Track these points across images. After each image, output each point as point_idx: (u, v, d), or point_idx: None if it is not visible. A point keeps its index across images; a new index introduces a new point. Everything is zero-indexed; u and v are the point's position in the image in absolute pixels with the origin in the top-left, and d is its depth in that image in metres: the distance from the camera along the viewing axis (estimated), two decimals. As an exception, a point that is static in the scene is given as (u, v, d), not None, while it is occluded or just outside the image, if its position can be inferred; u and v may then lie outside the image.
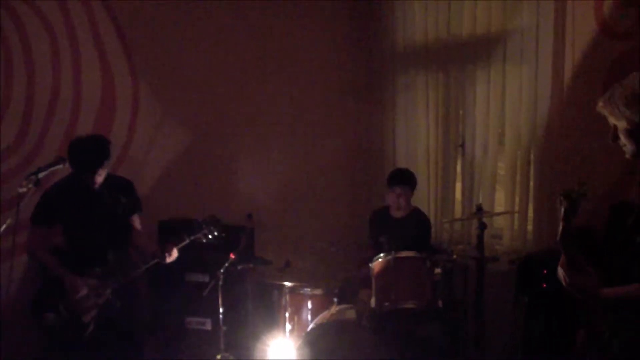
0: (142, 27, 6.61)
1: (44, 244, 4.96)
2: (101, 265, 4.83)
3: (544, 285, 5.36)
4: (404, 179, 5.99)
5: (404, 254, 5.35)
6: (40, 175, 4.40)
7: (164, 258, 4.99)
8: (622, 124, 2.96)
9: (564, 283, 3.12)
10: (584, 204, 3.04)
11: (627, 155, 3.05)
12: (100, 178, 4.89)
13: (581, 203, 3.04)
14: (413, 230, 5.97)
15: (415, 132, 7.15)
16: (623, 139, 3.00)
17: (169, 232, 5.82)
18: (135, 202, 5.17)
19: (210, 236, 5.20)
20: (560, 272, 3.13)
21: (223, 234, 5.25)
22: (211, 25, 6.94)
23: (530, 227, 6.47)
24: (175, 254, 5.02)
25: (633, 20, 5.63)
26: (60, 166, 4.63)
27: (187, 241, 5.12)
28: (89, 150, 4.80)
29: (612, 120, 3.02)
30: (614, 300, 2.99)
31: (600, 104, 3.06)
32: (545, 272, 5.38)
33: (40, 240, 4.96)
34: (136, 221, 5.21)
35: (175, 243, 5.06)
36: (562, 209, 3.08)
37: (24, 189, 4.28)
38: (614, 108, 2.96)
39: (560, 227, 3.07)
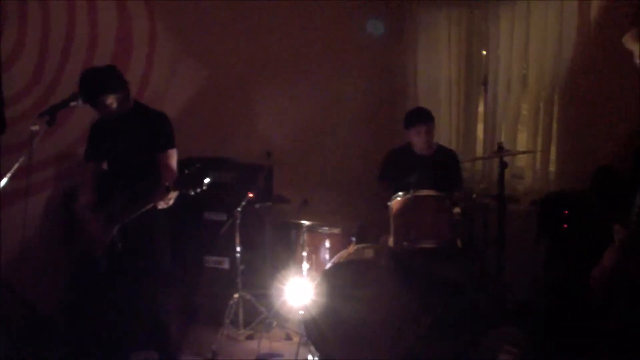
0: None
1: (90, 178, 4.94)
2: (112, 203, 4.74)
3: (565, 226, 5.29)
4: (426, 116, 5.87)
5: (424, 192, 5.27)
6: (53, 112, 4.31)
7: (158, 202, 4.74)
8: None
9: None
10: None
11: None
12: (112, 106, 4.75)
13: None
14: (443, 167, 5.89)
15: (437, 70, 7.01)
16: None
17: (187, 172, 5.77)
18: (166, 137, 4.87)
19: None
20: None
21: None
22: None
23: (552, 168, 6.39)
24: (171, 201, 4.75)
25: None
26: (75, 103, 4.52)
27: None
28: (93, 78, 4.69)
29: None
30: None
31: (628, 38, 2.96)
32: (566, 212, 5.32)
33: (86, 174, 4.96)
34: (168, 158, 4.85)
35: (174, 187, 4.74)
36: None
37: (36, 127, 4.19)
38: None
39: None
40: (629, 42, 2.96)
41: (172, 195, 4.53)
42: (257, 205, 5.87)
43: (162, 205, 4.59)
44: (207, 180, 4.43)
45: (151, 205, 4.56)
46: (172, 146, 4.88)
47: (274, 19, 7.02)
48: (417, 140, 5.86)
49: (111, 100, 4.73)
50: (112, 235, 4.64)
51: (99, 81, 4.69)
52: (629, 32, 2.97)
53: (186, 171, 4.45)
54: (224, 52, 6.94)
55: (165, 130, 4.88)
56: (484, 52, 6.78)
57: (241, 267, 5.73)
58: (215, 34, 6.89)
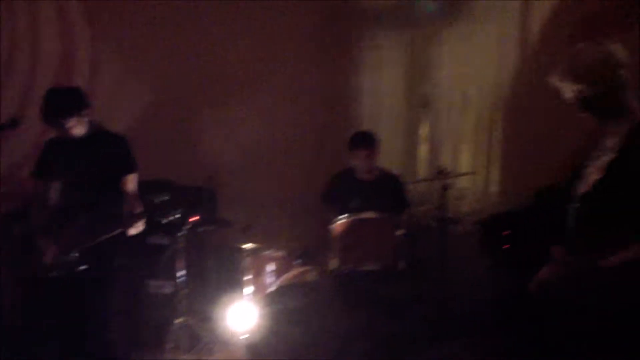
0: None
1: (41, 198, 4.81)
2: (70, 226, 4.65)
3: (506, 247, 5.35)
4: (369, 140, 5.87)
5: (366, 215, 5.29)
6: None
7: (129, 228, 4.69)
8: (586, 94, 2.90)
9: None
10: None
11: (592, 126, 3.00)
12: (75, 129, 4.65)
13: None
14: (386, 191, 5.89)
15: (380, 92, 7.07)
16: (587, 110, 2.95)
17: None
18: (127, 161, 4.72)
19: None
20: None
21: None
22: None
23: (493, 189, 6.46)
24: (141, 226, 4.70)
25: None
26: (11, 128, 4.43)
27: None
28: (58, 98, 4.60)
29: (572, 92, 2.95)
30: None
31: (556, 78, 3.00)
32: (507, 233, 5.37)
33: (35, 194, 4.83)
34: (129, 182, 4.73)
35: (144, 216, 4.70)
36: None
37: None
38: (575, 80, 2.91)
39: None
40: (554, 81, 3.01)
41: (143, 221, 4.50)
42: (200, 229, 5.82)
43: (133, 231, 4.53)
44: (177, 215, 4.48)
45: (120, 230, 4.50)
46: (133, 170, 4.81)
47: (218, 41, 7.00)
48: (360, 164, 5.84)
49: (74, 122, 4.61)
50: (68, 258, 4.56)
51: (63, 102, 4.59)
52: (553, 72, 3.02)
53: (158, 200, 4.40)
54: (167, 74, 6.89)
55: (127, 154, 4.81)
56: (427, 72, 6.86)
57: (184, 291, 5.68)
58: (159, 56, 6.84)
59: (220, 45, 7.00)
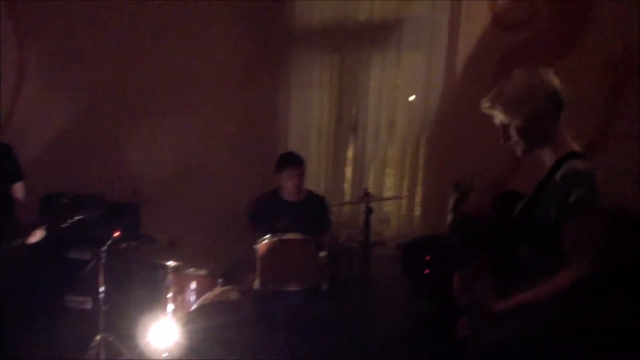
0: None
1: None
2: None
3: (427, 271, 5.45)
4: (297, 160, 5.92)
5: (290, 236, 5.33)
6: None
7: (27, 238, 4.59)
8: (511, 120, 2.96)
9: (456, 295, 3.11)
10: (471, 194, 3.08)
11: (518, 153, 3.03)
12: None
13: (469, 194, 3.04)
14: (312, 212, 5.95)
15: (308, 113, 7.14)
16: (514, 136, 2.99)
17: (51, 206, 5.62)
18: (14, 169, 4.73)
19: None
20: (455, 289, 3.12)
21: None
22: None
23: (417, 213, 6.57)
24: (39, 236, 4.60)
25: (525, 13, 5.80)
26: None
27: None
28: None
29: (500, 118, 3.01)
30: (512, 310, 3.00)
31: (487, 104, 3.05)
32: (428, 258, 5.47)
33: None
34: (16, 190, 4.76)
35: (41, 225, 4.61)
36: (453, 200, 3.08)
37: None
38: (504, 104, 2.97)
39: (450, 217, 3.07)
40: (484, 106, 3.07)
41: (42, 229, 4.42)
42: (123, 245, 5.76)
43: (33, 239, 4.45)
44: (77, 217, 4.38)
45: (20, 240, 4.42)
46: (20, 178, 4.72)
47: (147, 56, 6.97)
48: (288, 184, 5.89)
49: None
50: None
51: None
52: (485, 99, 3.08)
53: (54, 205, 4.35)
54: (94, 88, 6.82)
55: (13, 162, 4.72)
56: (354, 96, 6.95)
57: (104, 307, 5.60)
58: (86, 69, 6.77)
59: (149, 61, 6.96)
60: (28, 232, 4.42)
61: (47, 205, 4.42)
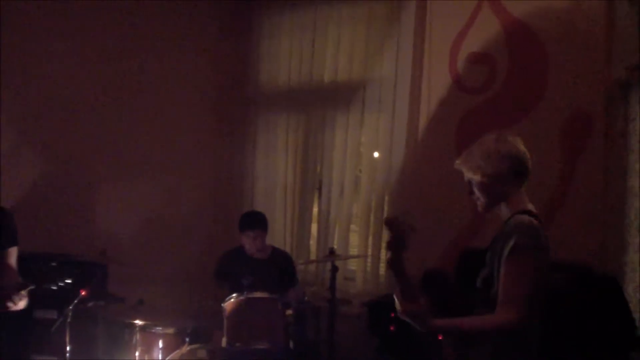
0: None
1: None
2: None
3: (392, 328, 5.50)
4: (258, 222, 6.03)
5: (257, 294, 5.39)
6: None
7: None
8: (477, 178, 3.12)
9: (398, 310, 3.21)
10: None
11: (480, 209, 3.21)
12: None
13: (409, 232, 3.12)
14: (277, 269, 6.04)
15: (274, 172, 7.25)
16: (477, 193, 3.17)
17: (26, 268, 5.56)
18: (8, 234, 4.46)
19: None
20: (396, 301, 3.22)
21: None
22: (74, 51, 6.78)
23: (382, 271, 6.63)
24: (23, 304, 4.55)
25: (484, 77, 5.97)
26: None
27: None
28: None
29: (468, 175, 3.18)
30: (445, 330, 3.12)
31: (459, 161, 3.23)
32: (393, 315, 5.51)
33: None
34: (9, 256, 4.49)
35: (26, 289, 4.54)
36: (389, 237, 3.16)
37: None
38: (472, 163, 3.14)
39: (388, 255, 3.16)
40: (457, 164, 3.24)
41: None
42: (90, 304, 5.74)
43: (21, 305, 4.38)
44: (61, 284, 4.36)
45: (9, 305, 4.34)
46: (14, 244, 4.68)
47: (114, 115, 7.02)
48: (248, 245, 6.00)
49: None
50: None
51: None
52: (460, 157, 3.24)
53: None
54: (62, 146, 6.82)
55: (8, 227, 4.68)
56: (319, 155, 7.06)
57: (71, 366, 5.57)
58: (55, 126, 6.77)
59: (116, 120, 7.01)
60: (13, 298, 4.32)
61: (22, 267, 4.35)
